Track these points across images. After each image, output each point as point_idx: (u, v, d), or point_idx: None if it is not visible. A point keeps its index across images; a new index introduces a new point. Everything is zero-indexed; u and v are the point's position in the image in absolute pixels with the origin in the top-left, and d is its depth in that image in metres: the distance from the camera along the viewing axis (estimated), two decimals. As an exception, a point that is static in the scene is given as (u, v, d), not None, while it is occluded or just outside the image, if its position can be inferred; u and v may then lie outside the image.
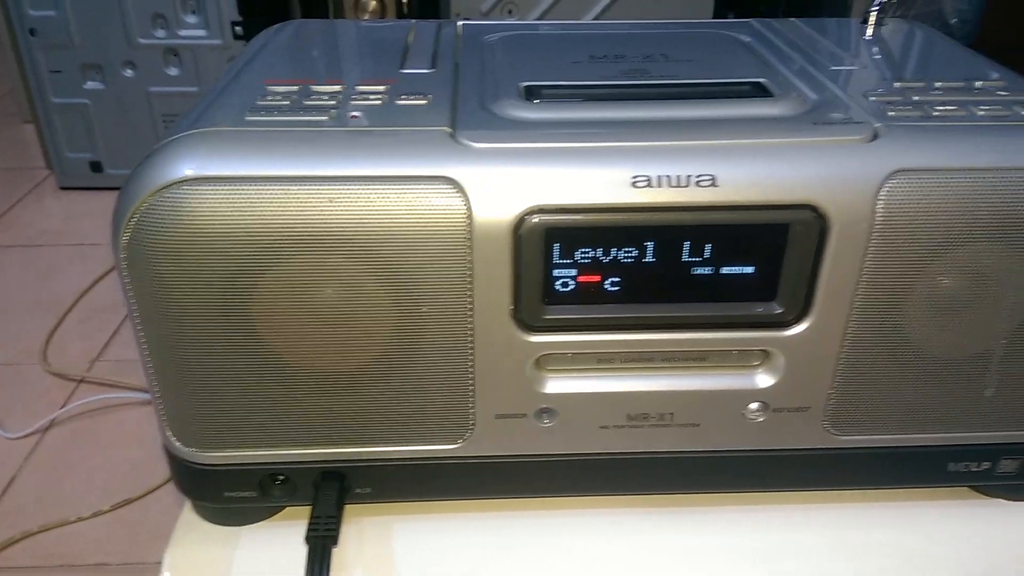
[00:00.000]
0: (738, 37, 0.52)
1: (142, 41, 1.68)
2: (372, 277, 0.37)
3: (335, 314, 0.38)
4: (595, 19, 1.62)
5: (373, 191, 0.36)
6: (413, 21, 0.56)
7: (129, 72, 1.70)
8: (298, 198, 0.35)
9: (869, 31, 0.56)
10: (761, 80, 0.44)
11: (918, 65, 0.49)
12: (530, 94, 0.42)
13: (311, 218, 0.36)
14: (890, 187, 0.37)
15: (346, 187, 0.36)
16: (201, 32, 1.67)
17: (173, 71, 1.70)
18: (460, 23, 0.55)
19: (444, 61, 0.47)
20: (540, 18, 1.63)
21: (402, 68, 0.46)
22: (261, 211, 0.35)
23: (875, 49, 0.51)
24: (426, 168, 0.36)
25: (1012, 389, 0.43)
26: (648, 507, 0.47)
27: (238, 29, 1.65)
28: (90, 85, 1.71)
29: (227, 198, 0.35)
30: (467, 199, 0.36)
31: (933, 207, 0.37)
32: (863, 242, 0.38)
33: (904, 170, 0.37)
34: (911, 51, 0.52)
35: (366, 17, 1.57)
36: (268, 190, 0.35)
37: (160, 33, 1.67)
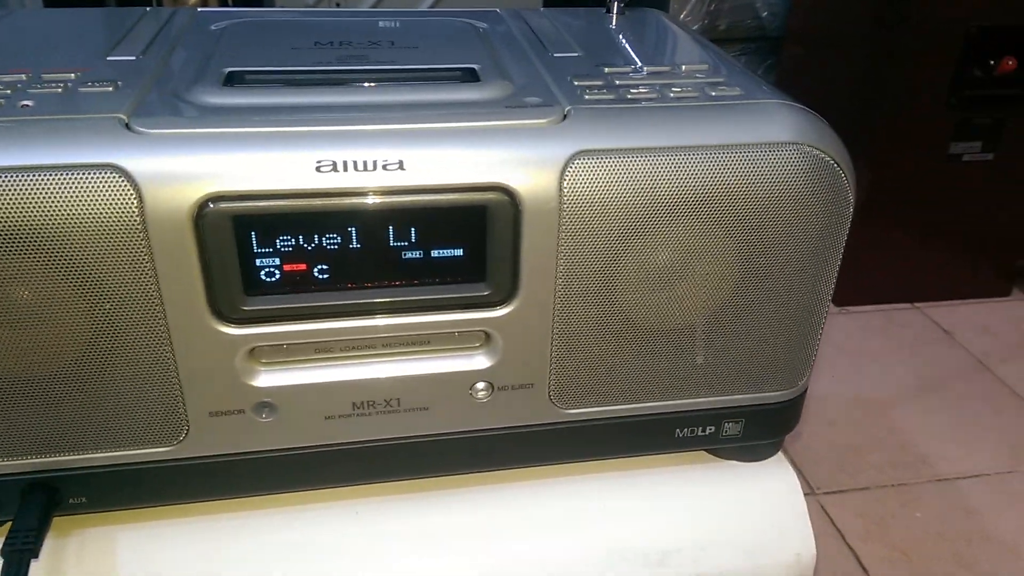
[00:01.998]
0: (475, 25, 0.53)
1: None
2: (45, 274, 0.35)
3: (15, 315, 0.36)
4: (429, 8, 1.61)
5: (29, 182, 0.34)
6: (147, 8, 0.53)
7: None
8: (-57, 192, 0.33)
9: (613, 20, 0.58)
10: (473, 66, 0.44)
11: (640, 52, 0.51)
12: (230, 80, 0.41)
13: (-39, 213, 0.33)
14: (574, 167, 0.38)
15: (2, 179, 0.33)
16: None
17: (-25, 68, 1.58)
18: (199, 10, 0.53)
19: (158, 48, 0.46)
20: (372, 7, 1.61)
21: (109, 55, 0.44)
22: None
23: (608, 37, 0.53)
24: (88, 156, 0.34)
25: (721, 356, 0.45)
26: (386, 494, 0.47)
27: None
28: None
29: None
30: (137, 188, 0.35)
31: (615, 186, 0.39)
32: (555, 221, 0.39)
33: (586, 151, 0.38)
34: (641, 39, 0.54)
35: (190, 4, 1.50)
36: (-92, 184, 0.33)
37: (-42, 27, 1.55)
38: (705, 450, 0.52)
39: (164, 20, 0.51)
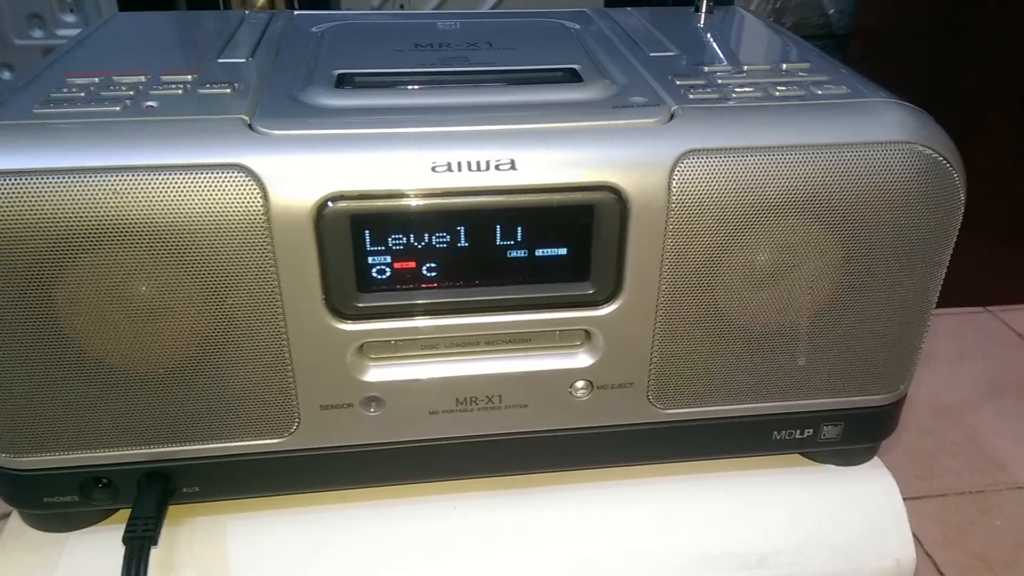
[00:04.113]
0: (568, 26, 0.53)
1: (18, 42, 1.61)
2: (171, 270, 0.36)
3: (139, 309, 0.37)
4: (490, 9, 1.62)
5: (160, 180, 0.35)
6: (246, 12, 0.55)
7: (7, 74, 1.63)
8: (80, 191, 0.34)
9: (702, 19, 0.58)
10: (575, 66, 0.45)
11: (735, 50, 0.51)
12: (341, 82, 0.42)
13: (96, 211, 0.35)
14: (683, 167, 0.38)
15: (131, 177, 0.35)
16: (80, 31, 1.61)
17: (53, 72, 1.63)
18: (296, 13, 0.54)
19: (265, 51, 0.47)
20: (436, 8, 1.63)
21: (219, 58, 0.45)
22: (41, 206, 0.34)
23: (700, 36, 0.53)
24: (216, 156, 0.35)
25: (824, 358, 0.45)
26: (483, 490, 0.47)
27: (121, 28, 1.60)
28: (-35, 88, 1.63)
29: (7, 193, 0.34)
30: (263, 187, 0.36)
31: (723, 185, 0.39)
32: (662, 220, 0.39)
33: (695, 150, 0.38)
34: (733, 37, 0.54)
35: (258, 7, 1.54)
36: (47, 183, 0.34)
37: (37, 33, 1.61)
38: (800, 453, 0.51)
39: (265, 23, 0.52)
